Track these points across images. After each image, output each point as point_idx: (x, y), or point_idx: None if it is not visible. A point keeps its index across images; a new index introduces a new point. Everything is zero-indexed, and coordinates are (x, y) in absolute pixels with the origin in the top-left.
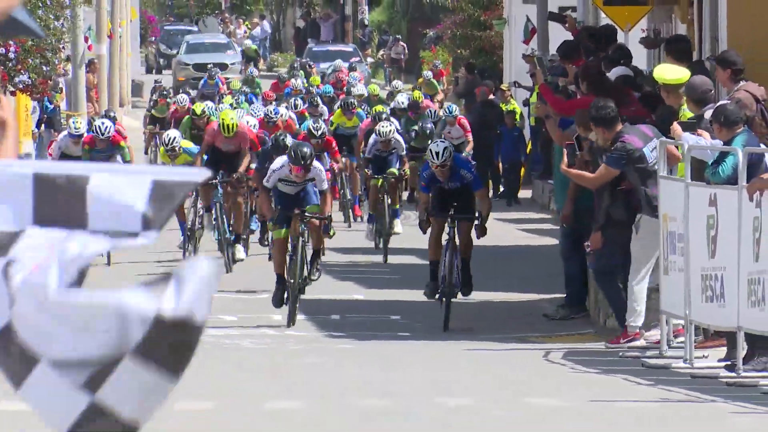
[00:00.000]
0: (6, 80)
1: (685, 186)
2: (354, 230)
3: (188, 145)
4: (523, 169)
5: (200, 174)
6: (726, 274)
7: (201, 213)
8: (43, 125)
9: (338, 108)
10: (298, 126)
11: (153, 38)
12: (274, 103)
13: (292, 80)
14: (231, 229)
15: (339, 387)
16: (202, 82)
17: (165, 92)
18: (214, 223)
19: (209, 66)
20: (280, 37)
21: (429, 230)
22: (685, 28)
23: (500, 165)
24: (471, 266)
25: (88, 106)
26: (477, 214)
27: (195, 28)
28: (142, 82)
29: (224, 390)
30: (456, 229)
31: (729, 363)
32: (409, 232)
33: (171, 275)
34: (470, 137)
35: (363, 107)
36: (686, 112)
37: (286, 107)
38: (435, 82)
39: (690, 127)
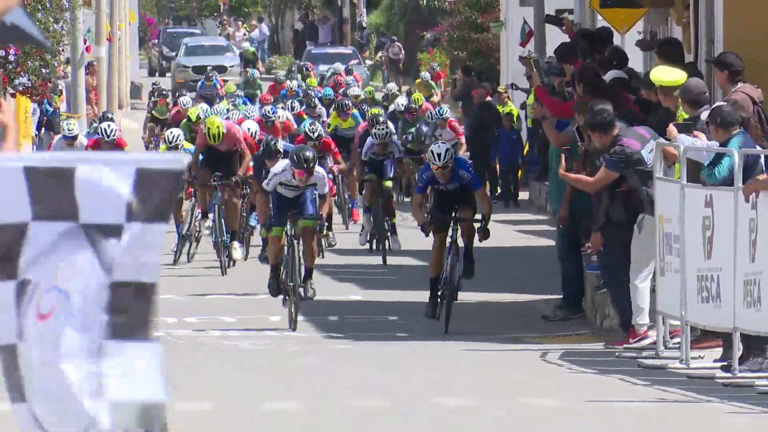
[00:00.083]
0: (6, 83)
1: (681, 187)
2: (352, 232)
3: (189, 146)
4: (520, 171)
5: (181, 160)
6: (722, 275)
7: (198, 218)
8: (43, 128)
9: (333, 110)
10: (296, 126)
11: (156, 41)
12: (272, 105)
13: (288, 82)
14: (227, 228)
15: (338, 387)
16: (199, 84)
17: (164, 92)
18: (211, 225)
19: (208, 68)
20: (278, 40)
21: (432, 237)
22: (681, 31)
23: (497, 167)
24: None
25: (88, 108)
26: (480, 216)
27: (198, 31)
28: (141, 84)
29: (223, 390)
30: (459, 231)
31: (725, 363)
32: (406, 233)
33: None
34: (463, 139)
35: (366, 109)
36: (683, 114)
37: (283, 108)
38: (433, 84)
39: (686, 128)
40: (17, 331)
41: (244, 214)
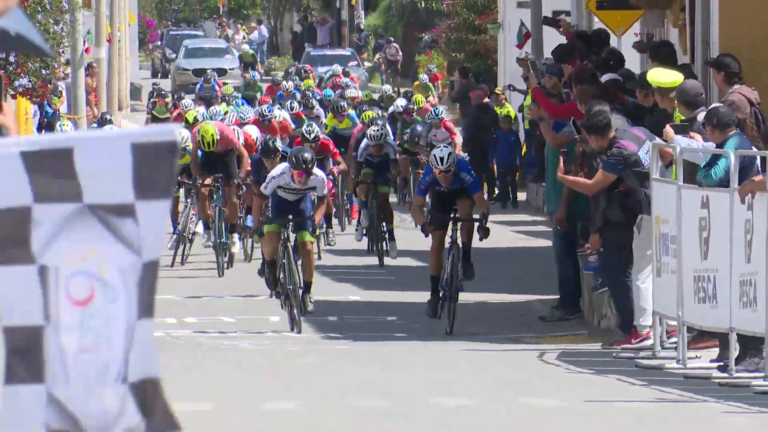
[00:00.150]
0: (6, 84)
1: (678, 188)
2: (350, 234)
3: (190, 146)
4: (518, 173)
5: (173, 131)
6: (718, 276)
7: (192, 219)
8: (43, 129)
9: (330, 111)
10: (294, 127)
11: (159, 42)
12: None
13: (284, 83)
14: (226, 226)
15: (338, 387)
16: (198, 85)
17: (163, 93)
18: (211, 226)
19: (207, 71)
20: (277, 42)
21: (431, 236)
22: (677, 32)
23: (495, 168)
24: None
25: (87, 109)
26: (480, 216)
27: (201, 33)
28: (140, 85)
29: (223, 390)
30: (458, 231)
31: (721, 363)
32: (405, 234)
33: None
34: (457, 140)
35: (373, 110)
36: (680, 115)
37: (280, 109)
38: (430, 86)
39: (682, 129)
40: (44, 314)
41: (241, 215)
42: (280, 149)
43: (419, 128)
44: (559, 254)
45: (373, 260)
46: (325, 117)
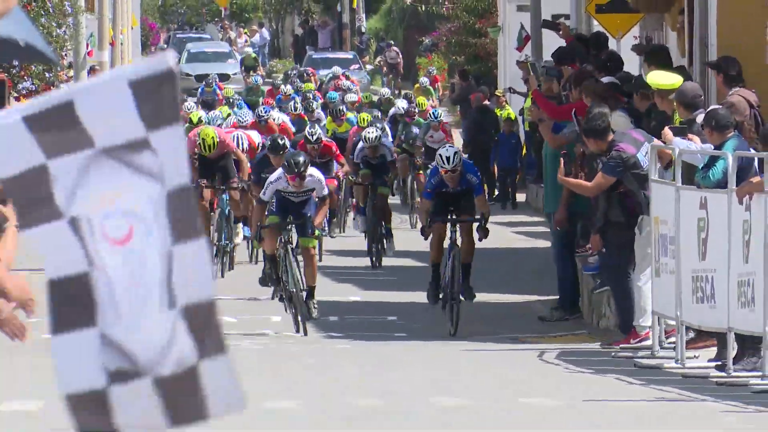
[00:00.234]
0: (10, 87)
1: (676, 189)
2: (349, 236)
3: None
4: (518, 174)
5: (167, 58)
6: (716, 276)
7: None
8: None
9: (328, 115)
10: (294, 130)
11: (164, 45)
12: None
13: (283, 86)
14: (227, 234)
15: (338, 387)
16: (200, 89)
17: None
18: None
19: (209, 76)
20: (278, 45)
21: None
22: (676, 35)
23: (495, 170)
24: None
25: None
26: (479, 216)
27: (208, 36)
28: None
29: None
30: (458, 232)
31: (719, 363)
32: (405, 235)
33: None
34: (452, 142)
35: (373, 112)
36: (680, 117)
37: (280, 111)
38: (430, 88)
39: (680, 131)
40: (87, 260)
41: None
42: (288, 147)
43: (415, 130)
44: (557, 255)
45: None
46: (326, 119)
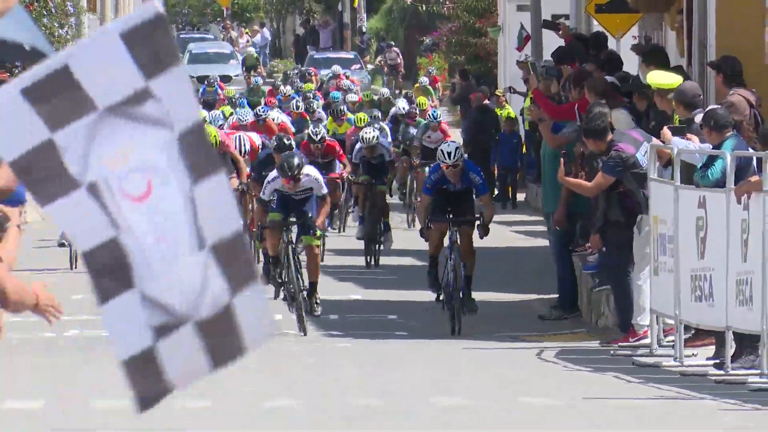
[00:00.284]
0: None
1: (675, 189)
2: (349, 235)
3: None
4: (519, 174)
5: (153, 6)
6: (715, 275)
7: None
8: None
9: (329, 116)
10: (294, 130)
11: None
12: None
13: (282, 87)
14: None
15: (339, 386)
16: (201, 89)
17: None
18: None
19: (210, 76)
20: (280, 45)
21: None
22: (675, 35)
23: (495, 169)
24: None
25: None
26: (478, 215)
27: (211, 36)
28: None
29: (224, 388)
30: (457, 233)
31: (718, 361)
32: (405, 234)
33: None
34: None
35: (373, 111)
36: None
37: (280, 112)
38: (430, 88)
39: (679, 131)
40: (112, 225)
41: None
42: (294, 146)
43: (412, 131)
44: (556, 254)
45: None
46: (327, 119)
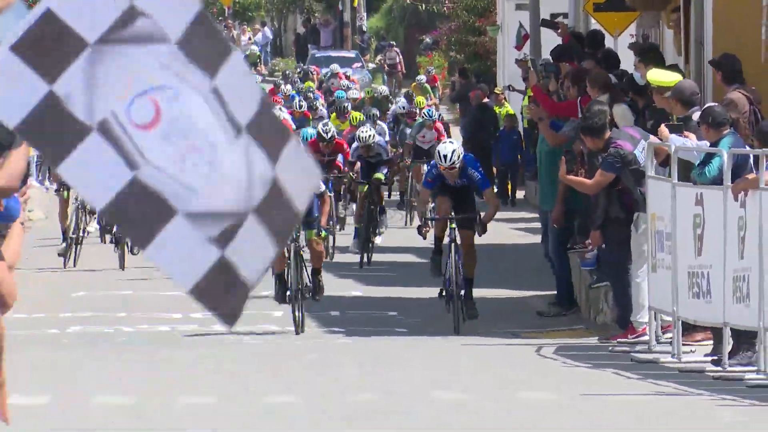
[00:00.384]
0: None
1: (672, 186)
2: (349, 234)
3: None
4: (519, 171)
5: None
6: (712, 272)
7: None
8: None
9: (332, 113)
10: (295, 127)
11: None
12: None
13: (282, 86)
14: None
15: (339, 385)
16: None
17: None
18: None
19: None
20: (281, 43)
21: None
22: (672, 33)
23: (494, 166)
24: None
25: None
26: (477, 214)
27: None
28: None
29: (226, 385)
30: (457, 231)
31: (715, 357)
32: (404, 232)
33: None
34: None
35: (363, 111)
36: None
37: (281, 109)
38: (428, 87)
39: (677, 129)
40: (128, 165)
41: None
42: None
43: (407, 130)
44: (554, 251)
45: (374, 257)
46: (329, 117)
